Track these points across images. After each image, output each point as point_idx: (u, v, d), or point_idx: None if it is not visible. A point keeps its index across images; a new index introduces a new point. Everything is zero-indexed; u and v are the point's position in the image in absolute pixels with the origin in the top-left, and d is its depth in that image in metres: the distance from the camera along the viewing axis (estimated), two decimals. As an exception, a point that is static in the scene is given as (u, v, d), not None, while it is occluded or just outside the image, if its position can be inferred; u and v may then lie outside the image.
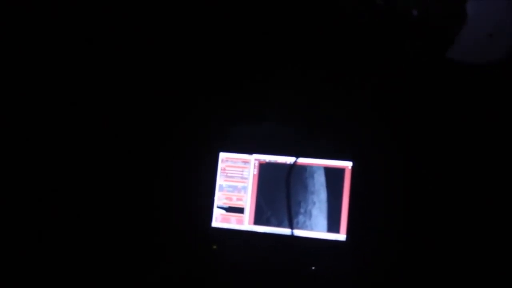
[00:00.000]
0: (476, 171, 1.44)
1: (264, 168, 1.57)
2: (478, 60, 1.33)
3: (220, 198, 1.59)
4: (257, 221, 1.56)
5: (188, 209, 1.60)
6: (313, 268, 1.48)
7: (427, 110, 1.50)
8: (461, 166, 1.46)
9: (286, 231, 1.53)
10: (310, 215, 1.53)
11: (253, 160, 1.58)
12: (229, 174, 1.59)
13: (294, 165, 1.55)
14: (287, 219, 1.53)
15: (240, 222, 1.57)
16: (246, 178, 1.58)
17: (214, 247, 1.55)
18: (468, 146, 1.46)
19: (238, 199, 1.58)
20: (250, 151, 1.59)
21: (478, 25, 1.26)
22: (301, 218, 1.53)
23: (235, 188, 1.58)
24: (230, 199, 1.58)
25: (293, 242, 1.53)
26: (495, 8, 1.23)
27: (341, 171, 1.53)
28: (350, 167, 1.52)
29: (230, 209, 1.58)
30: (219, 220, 1.58)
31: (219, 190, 1.59)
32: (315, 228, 1.52)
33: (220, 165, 1.60)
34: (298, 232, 1.52)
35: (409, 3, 1.33)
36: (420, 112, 1.50)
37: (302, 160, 1.55)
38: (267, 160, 1.57)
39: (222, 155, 1.60)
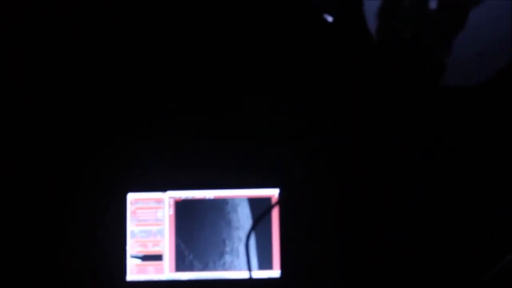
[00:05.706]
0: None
1: (180, 207, 1.38)
2: (469, 81, 1.24)
3: (133, 246, 1.37)
4: (179, 268, 1.36)
5: (98, 264, 1.38)
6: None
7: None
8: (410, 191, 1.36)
9: (212, 274, 1.35)
10: (238, 253, 1.36)
11: (167, 198, 1.39)
12: (140, 218, 1.38)
13: (214, 199, 1.37)
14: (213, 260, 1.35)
15: (159, 271, 1.36)
16: (161, 220, 1.38)
17: (132, 304, 1.34)
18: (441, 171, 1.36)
19: (155, 245, 1.37)
20: (163, 189, 1.39)
21: (466, 45, 1.17)
22: (227, 258, 1.36)
23: (149, 232, 1.38)
24: (145, 246, 1.37)
25: (222, 286, 1.35)
26: (483, 26, 1.14)
27: (267, 200, 1.37)
28: (276, 195, 1.36)
29: (146, 258, 1.37)
30: (135, 272, 1.37)
31: (131, 237, 1.38)
32: (244, 267, 1.35)
33: (129, 208, 1.39)
34: (227, 274, 1.35)
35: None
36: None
37: (222, 193, 1.37)
38: (184, 197, 1.38)
39: (131, 196, 1.39)
